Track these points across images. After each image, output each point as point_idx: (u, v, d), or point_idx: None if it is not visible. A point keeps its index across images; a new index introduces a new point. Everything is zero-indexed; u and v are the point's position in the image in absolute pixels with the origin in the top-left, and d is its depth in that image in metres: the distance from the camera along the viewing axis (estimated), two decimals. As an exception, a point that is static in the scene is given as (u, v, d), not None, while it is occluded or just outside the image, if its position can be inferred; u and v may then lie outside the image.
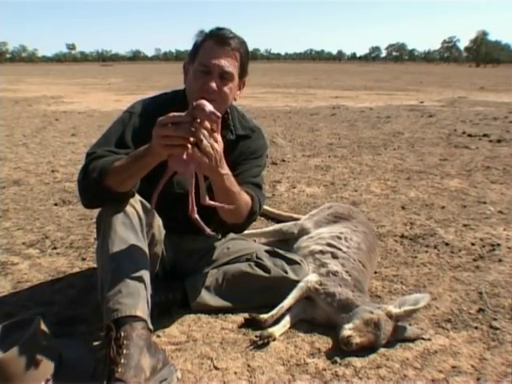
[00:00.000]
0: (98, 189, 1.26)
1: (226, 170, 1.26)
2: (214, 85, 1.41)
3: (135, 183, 1.31)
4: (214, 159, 1.16)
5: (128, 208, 1.33)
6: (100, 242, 1.33)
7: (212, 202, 1.21)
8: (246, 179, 1.52)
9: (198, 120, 1.09)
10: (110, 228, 1.29)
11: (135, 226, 1.32)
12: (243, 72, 1.52)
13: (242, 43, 1.48)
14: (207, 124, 1.10)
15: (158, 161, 1.19)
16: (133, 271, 1.26)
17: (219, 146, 1.17)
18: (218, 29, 1.46)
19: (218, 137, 1.16)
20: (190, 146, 1.10)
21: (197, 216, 1.19)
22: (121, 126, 1.46)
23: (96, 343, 1.40)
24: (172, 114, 1.11)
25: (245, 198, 1.43)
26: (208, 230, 1.22)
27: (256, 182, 1.56)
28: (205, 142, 1.11)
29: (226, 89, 1.45)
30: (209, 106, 1.09)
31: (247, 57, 1.51)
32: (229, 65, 1.43)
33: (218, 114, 1.10)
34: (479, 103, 9.94)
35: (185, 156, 1.11)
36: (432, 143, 5.17)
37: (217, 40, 1.43)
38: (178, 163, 1.13)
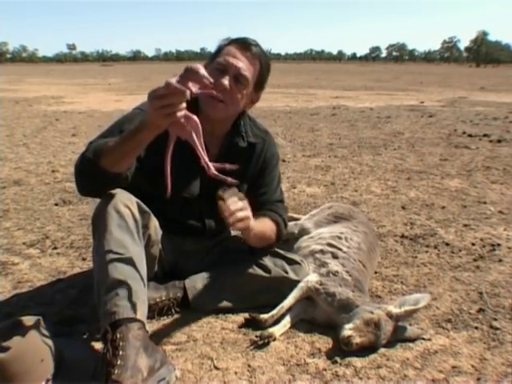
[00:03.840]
0: (92, 169, 1.25)
1: (253, 225, 1.38)
2: (226, 82, 1.40)
3: (130, 163, 1.29)
4: (242, 227, 1.35)
5: (123, 209, 1.32)
6: (95, 245, 1.33)
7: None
8: (271, 198, 1.63)
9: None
10: (106, 230, 1.28)
11: (131, 228, 1.31)
12: (260, 84, 1.52)
13: (263, 54, 1.49)
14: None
15: (155, 135, 1.16)
16: (129, 273, 1.25)
17: (247, 212, 1.32)
18: (244, 37, 1.49)
19: (246, 211, 1.33)
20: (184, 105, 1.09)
21: (215, 172, 1.17)
22: (127, 120, 1.44)
23: (96, 343, 1.40)
24: (163, 84, 1.08)
25: (271, 228, 1.55)
26: (229, 179, 1.19)
27: (278, 199, 1.67)
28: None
29: (237, 93, 1.44)
30: (202, 70, 1.07)
31: (267, 70, 1.52)
32: (246, 68, 1.43)
33: (211, 79, 1.08)
34: (479, 103, 9.94)
35: (182, 119, 1.11)
36: (432, 143, 5.17)
37: (239, 44, 1.46)
38: (177, 128, 1.13)
